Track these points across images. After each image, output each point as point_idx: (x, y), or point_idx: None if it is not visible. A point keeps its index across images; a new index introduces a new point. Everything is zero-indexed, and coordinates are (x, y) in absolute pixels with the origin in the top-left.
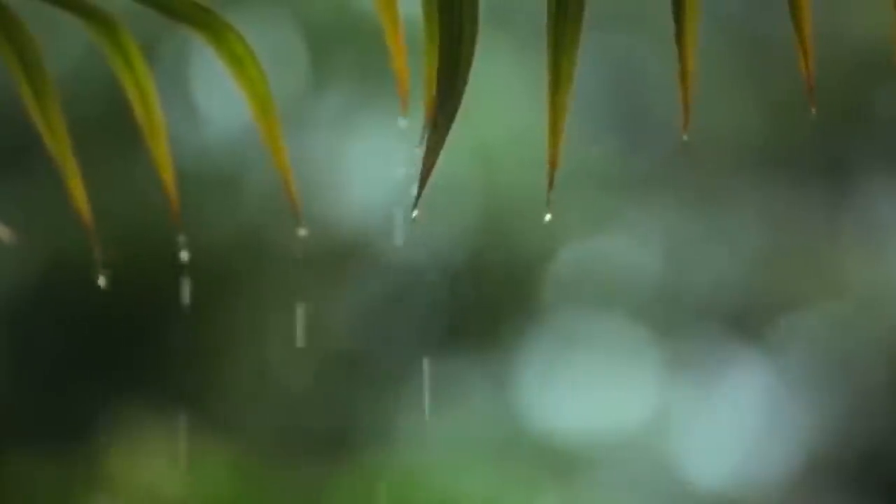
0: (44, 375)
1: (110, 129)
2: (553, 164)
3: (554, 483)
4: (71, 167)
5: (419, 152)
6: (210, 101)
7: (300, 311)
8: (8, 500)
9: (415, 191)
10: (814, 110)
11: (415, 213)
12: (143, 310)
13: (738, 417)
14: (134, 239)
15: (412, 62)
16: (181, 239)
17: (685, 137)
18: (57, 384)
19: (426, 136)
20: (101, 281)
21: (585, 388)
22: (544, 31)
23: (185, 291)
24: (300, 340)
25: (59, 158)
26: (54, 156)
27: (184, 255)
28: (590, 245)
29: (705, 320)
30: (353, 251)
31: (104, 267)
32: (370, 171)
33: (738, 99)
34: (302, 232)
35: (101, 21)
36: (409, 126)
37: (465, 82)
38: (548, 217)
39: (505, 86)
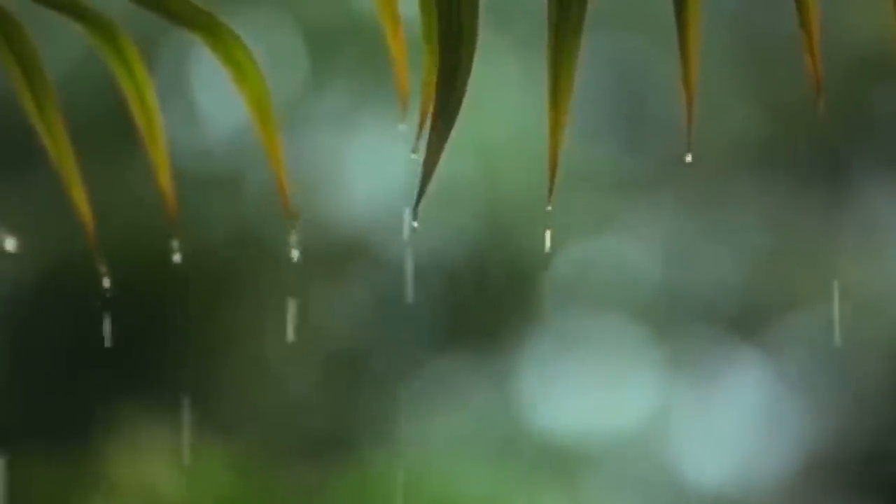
0: (44, 376)
1: (110, 131)
2: (553, 168)
3: (553, 483)
4: (72, 172)
5: (420, 152)
6: (210, 102)
7: (300, 311)
8: (8, 500)
9: (415, 191)
10: (822, 111)
11: (415, 224)
12: (143, 310)
13: (737, 417)
14: (134, 240)
15: (412, 62)
16: (176, 242)
17: (689, 139)
18: (57, 384)
19: (427, 137)
20: (105, 283)
21: (585, 388)
22: (544, 31)
23: (185, 292)
24: (300, 340)
25: (60, 163)
26: (55, 160)
27: (177, 258)
28: (590, 245)
29: (705, 320)
30: (354, 251)
31: (104, 267)
32: (371, 171)
33: (738, 99)
34: (293, 238)
35: (100, 25)
36: (410, 126)
37: (465, 83)
38: (549, 208)
39: (505, 86)
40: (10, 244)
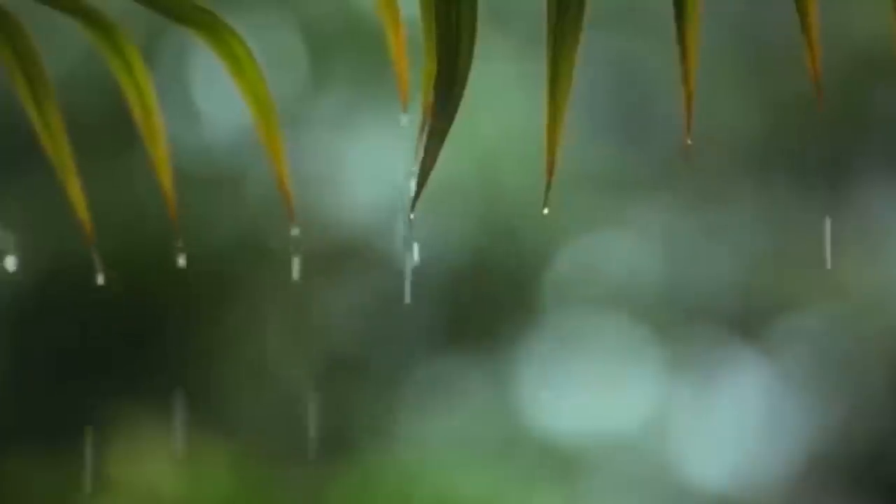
0: (44, 375)
1: (111, 131)
2: (551, 167)
3: (553, 483)
4: (69, 171)
5: (419, 153)
6: (210, 102)
7: (300, 311)
8: (7, 500)
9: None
10: (821, 111)
11: (411, 216)
12: (143, 310)
13: (738, 418)
14: (134, 239)
15: (412, 62)
16: (179, 240)
17: (688, 141)
18: (56, 384)
19: (424, 137)
20: (100, 279)
21: (585, 388)
22: (543, 32)
23: (185, 291)
24: (300, 340)
25: (58, 162)
26: (53, 159)
27: (181, 258)
28: (590, 245)
29: (705, 321)
30: (354, 251)
31: (104, 267)
32: (370, 171)
33: (737, 99)
34: (295, 231)
35: (100, 23)
36: (410, 125)
37: (463, 83)
38: (545, 211)
39: (504, 86)
40: (10, 263)
